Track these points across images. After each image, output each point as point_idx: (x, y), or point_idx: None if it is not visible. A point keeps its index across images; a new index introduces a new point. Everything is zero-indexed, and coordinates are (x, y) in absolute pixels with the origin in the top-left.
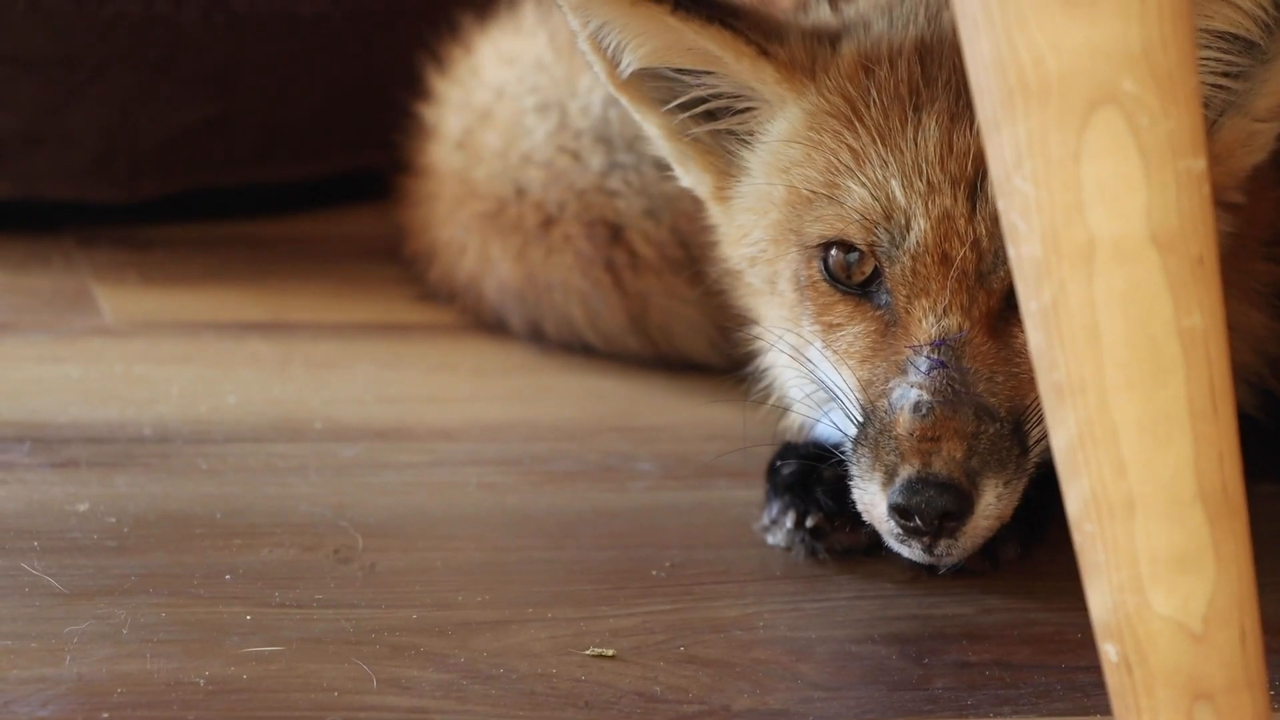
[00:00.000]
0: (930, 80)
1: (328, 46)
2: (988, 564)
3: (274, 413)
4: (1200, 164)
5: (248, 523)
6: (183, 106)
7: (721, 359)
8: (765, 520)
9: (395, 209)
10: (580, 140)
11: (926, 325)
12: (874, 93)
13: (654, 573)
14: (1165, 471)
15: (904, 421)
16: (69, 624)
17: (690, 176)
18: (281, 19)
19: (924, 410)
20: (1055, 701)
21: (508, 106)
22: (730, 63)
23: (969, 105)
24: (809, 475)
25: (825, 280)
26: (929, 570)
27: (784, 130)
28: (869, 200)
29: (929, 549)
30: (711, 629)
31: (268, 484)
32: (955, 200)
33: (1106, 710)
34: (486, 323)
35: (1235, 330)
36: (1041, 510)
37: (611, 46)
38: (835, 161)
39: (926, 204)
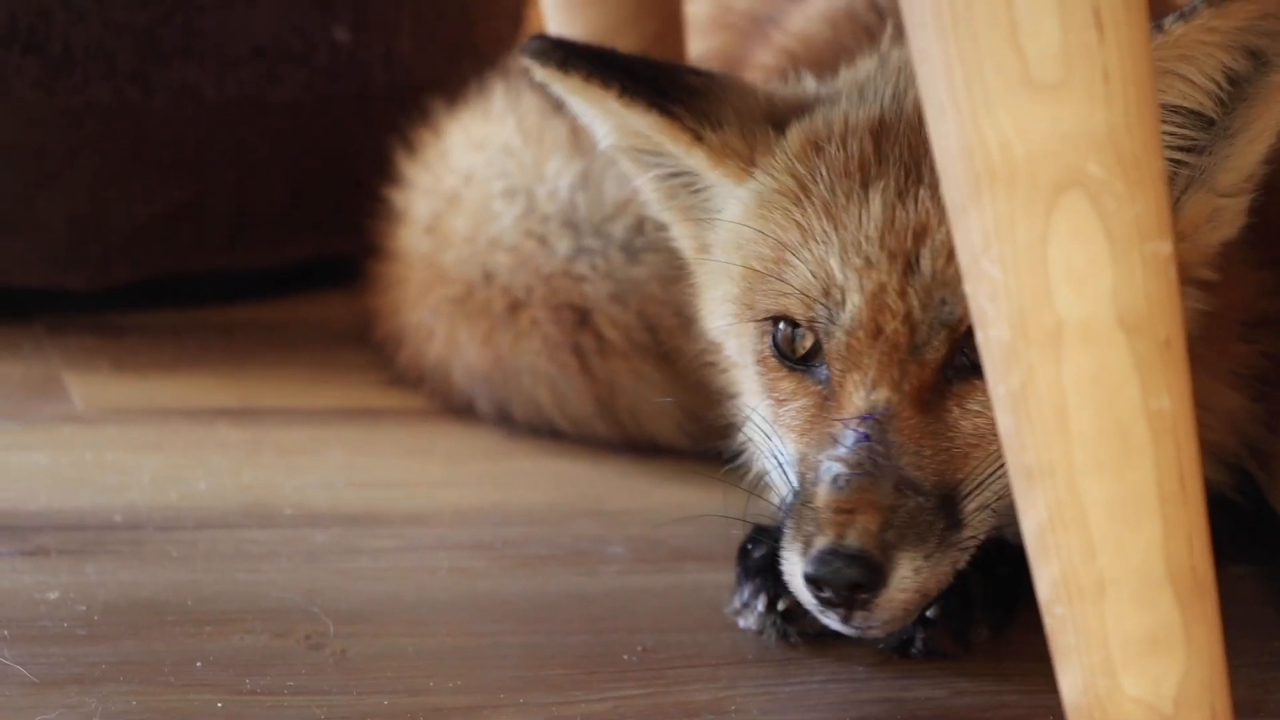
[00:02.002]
0: (882, 157)
1: (298, 132)
2: (959, 646)
3: (245, 499)
4: (1166, 247)
5: (218, 609)
6: (153, 193)
7: (690, 442)
8: (736, 604)
9: (365, 294)
10: (547, 225)
11: (856, 399)
12: (823, 170)
13: (626, 657)
14: (1135, 554)
15: (821, 494)
16: (39, 713)
17: (679, 242)
18: (251, 106)
19: (841, 483)
20: None
21: (475, 191)
22: (669, 148)
23: (918, 181)
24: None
25: (773, 355)
26: (900, 652)
27: (736, 210)
28: (808, 277)
29: (845, 620)
30: (684, 713)
31: (239, 570)
32: (890, 275)
33: None
34: (455, 407)
35: (1211, 411)
36: (1013, 592)
37: (584, 120)
38: (782, 238)
39: (861, 279)
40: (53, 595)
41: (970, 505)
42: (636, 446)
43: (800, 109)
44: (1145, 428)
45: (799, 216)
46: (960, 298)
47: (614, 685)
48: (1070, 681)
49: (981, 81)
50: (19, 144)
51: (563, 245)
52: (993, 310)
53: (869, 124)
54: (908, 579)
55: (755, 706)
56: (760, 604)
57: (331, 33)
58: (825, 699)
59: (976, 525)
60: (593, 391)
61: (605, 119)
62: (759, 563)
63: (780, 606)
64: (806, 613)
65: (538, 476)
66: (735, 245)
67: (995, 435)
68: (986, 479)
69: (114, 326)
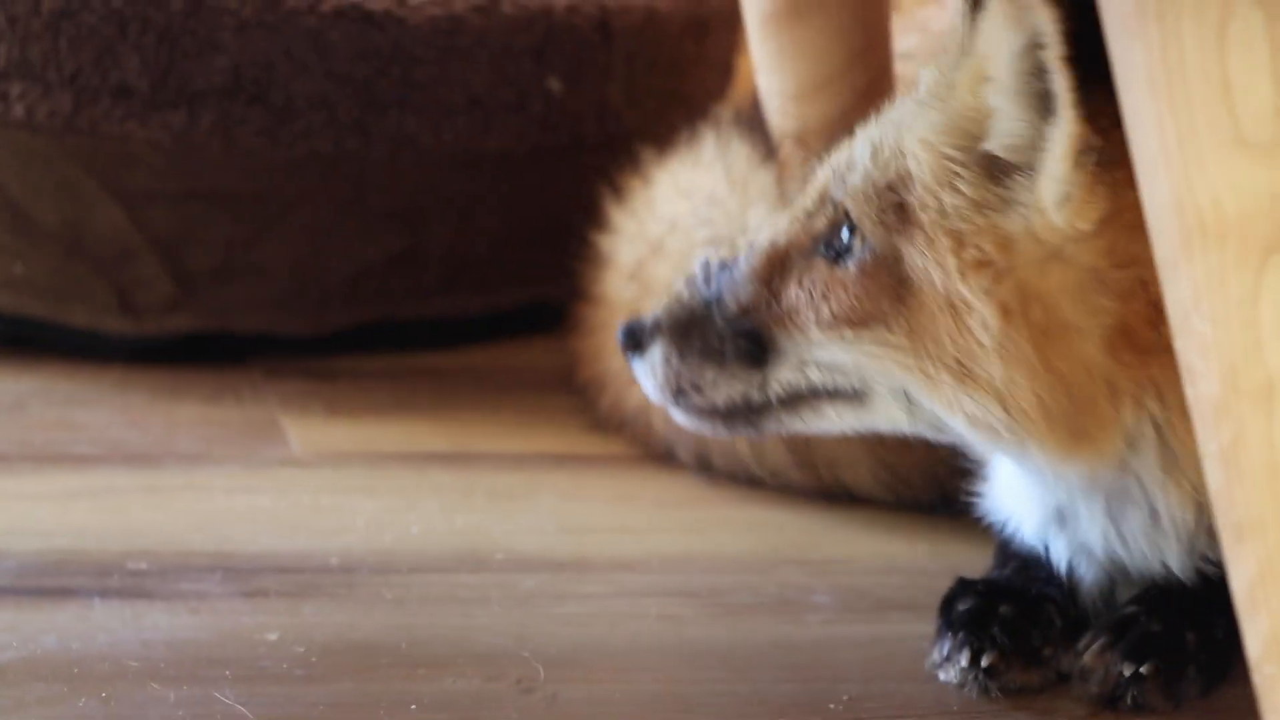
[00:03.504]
0: None
1: (510, 181)
2: (1169, 701)
3: (457, 543)
4: None
5: (431, 652)
6: (370, 241)
7: (886, 494)
8: (937, 657)
9: (570, 338)
10: None
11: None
12: None
13: (831, 706)
14: None
15: None
16: None
17: None
18: (466, 156)
19: (677, 283)
20: None
21: (680, 239)
22: None
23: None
24: (986, 612)
25: None
26: (1109, 705)
27: None
28: None
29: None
30: None
31: (451, 614)
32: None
33: None
34: (656, 453)
35: None
36: (1223, 648)
37: None
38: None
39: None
40: (272, 636)
41: (777, 355)
42: (834, 496)
43: None
44: None
45: None
46: (848, 183)
47: None
48: None
49: (1194, 139)
50: (242, 191)
51: None
52: (1202, 366)
53: None
54: (657, 357)
55: None
56: (963, 658)
57: (545, 84)
58: None
59: (785, 378)
60: (789, 442)
61: None
62: (963, 616)
63: (984, 662)
64: (1011, 668)
65: (741, 524)
66: None
67: (816, 316)
68: (802, 347)
69: (328, 371)
